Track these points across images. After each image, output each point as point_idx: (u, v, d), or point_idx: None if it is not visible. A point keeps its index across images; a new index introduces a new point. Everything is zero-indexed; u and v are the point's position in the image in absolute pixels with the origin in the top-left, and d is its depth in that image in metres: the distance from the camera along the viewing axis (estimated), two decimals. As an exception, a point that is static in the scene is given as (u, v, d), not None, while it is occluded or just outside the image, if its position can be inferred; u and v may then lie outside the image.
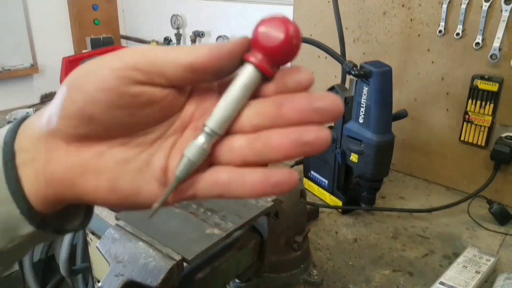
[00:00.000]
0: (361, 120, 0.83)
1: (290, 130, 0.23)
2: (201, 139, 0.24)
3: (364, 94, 0.81)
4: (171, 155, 0.26)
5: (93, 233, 1.09)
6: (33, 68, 1.94)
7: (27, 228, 0.26)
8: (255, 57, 0.24)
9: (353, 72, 0.81)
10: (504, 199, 0.95)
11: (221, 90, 0.26)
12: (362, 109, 0.82)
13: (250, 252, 0.56)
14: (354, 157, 0.85)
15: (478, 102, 0.94)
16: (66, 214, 0.29)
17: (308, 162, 1.01)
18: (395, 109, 0.86)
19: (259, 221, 0.56)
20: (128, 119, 0.24)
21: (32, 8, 1.90)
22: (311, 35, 1.20)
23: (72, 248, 1.32)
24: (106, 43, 2.00)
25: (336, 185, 0.93)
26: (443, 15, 0.95)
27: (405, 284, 0.71)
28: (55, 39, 2.01)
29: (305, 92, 0.24)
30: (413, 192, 1.04)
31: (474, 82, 0.94)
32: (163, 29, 1.90)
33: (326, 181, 0.96)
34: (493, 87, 0.91)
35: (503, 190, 0.95)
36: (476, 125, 0.96)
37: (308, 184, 1.02)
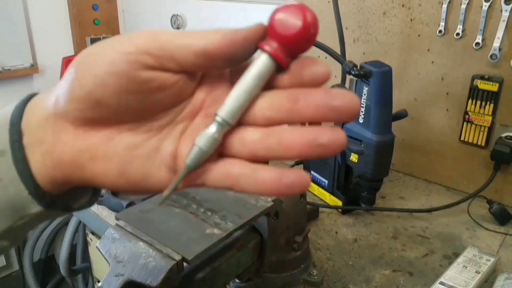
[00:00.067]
0: (361, 120, 0.83)
1: (305, 130, 0.23)
2: (213, 129, 0.24)
3: (364, 94, 0.81)
4: (180, 142, 0.26)
5: (93, 233, 1.09)
6: (33, 68, 1.94)
7: (35, 208, 0.26)
8: (270, 45, 0.23)
9: (353, 72, 0.81)
10: (504, 199, 0.95)
11: (232, 78, 0.25)
12: (362, 109, 0.82)
13: (250, 252, 0.56)
14: (354, 157, 0.85)
15: (478, 102, 0.94)
16: (74, 193, 0.29)
17: (308, 162, 1.01)
18: (395, 109, 0.86)
19: (259, 221, 0.56)
20: (137, 104, 0.24)
21: (32, 8, 1.90)
22: (311, 35, 1.20)
23: (72, 248, 1.32)
24: (106, 43, 2.00)
25: (336, 185, 0.93)
26: (443, 15, 0.95)
27: (405, 284, 0.71)
28: (55, 39, 2.01)
29: (323, 88, 0.23)
30: (413, 192, 1.04)
31: (474, 82, 0.94)
32: (163, 29, 1.90)
33: (326, 181, 0.96)
34: (493, 87, 0.91)
35: (503, 190, 0.95)
36: (476, 125, 0.96)
37: (308, 184, 1.02)
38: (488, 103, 0.92)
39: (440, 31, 0.97)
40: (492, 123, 0.93)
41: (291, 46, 0.23)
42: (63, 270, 1.34)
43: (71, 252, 1.32)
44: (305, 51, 0.23)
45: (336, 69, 1.13)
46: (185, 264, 0.46)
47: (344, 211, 0.92)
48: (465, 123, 0.98)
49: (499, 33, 0.88)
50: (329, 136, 0.22)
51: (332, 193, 0.95)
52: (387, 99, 0.82)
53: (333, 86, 0.91)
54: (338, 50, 0.91)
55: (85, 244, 1.32)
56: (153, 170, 0.25)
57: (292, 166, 1.07)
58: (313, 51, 1.03)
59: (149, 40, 0.23)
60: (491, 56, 0.90)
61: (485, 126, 0.94)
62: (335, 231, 0.86)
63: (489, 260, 0.72)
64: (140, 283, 0.42)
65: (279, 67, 0.23)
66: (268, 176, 0.23)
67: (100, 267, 1.14)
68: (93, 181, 0.26)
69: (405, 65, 1.05)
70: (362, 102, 0.82)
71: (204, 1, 1.74)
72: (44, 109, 0.26)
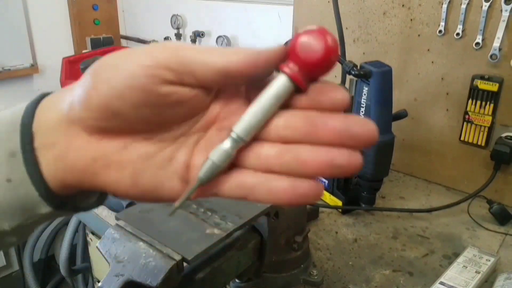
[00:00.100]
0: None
1: (323, 149, 0.23)
2: (227, 144, 0.24)
3: (364, 94, 0.81)
4: (194, 153, 0.26)
5: (93, 233, 1.09)
6: (33, 68, 1.94)
7: (45, 209, 0.26)
8: (290, 68, 0.23)
9: (353, 72, 0.81)
10: (504, 199, 0.95)
11: (248, 92, 0.26)
12: (362, 109, 0.82)
13: (250, 252, 0.56)
14: (354, 157, 0.85)
15: (478, 102, 0.94)
16: (82, 193, 0.29)
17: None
18: (395, 109, 0.86)
19: (259, 221, 0.56)
20: (154, 117, 0.24)
21: (32, 8, 1.90)
22: (311, 35, 1.20)
23: (72, 248, 1.32)
24: (106, 43, 2.00)
25: (336, 185, 0.93)
26: (443, 15, 0.95)
27: (405, 284, 0.71)
28: (55, 39, 2.01)
29: (341, 114, 0.23)
30: (413, 192, 1.04)
31: (474, 82, 0.94)
32: (163, 29, 1.90)
33: (326, 181, 0.96)
34: (493, 87, 0.91)
35: (503, 190, 0.95)
36: (476, 125, 0.96)
37: (308, 184, 1.02)
38: (488, 103, 0.92)
39: (440, 31, 0.97)
40: (492, 123, 0.93)
41: (311, 71, 0.23)
42: (63, 270, 1.34)
43: (71, 252, 1.32)
44: (324, 75, 0.24)
45: (336, 69, 1.13)
46: (185, 264, 0.46)
47: (344, 211, 0.92)
48: (465, 123, 0.98)
49: (499, 33, 0.88)
50: (347, 158, 0.22)
51: (332, 193, 0.95)
52: (387, 99, 0.82)
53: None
54: (338, 50, 0.91)
55: (85, 244, 1.32)
56: (166, 180, 0.25)
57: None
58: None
59: (169, 55, 0.23)
60: (491, 56, 0.90)
61: (485, 126, 0.94)
62: (335, 231, 0.86)
63: (489, 260, 0.72)
64: (140, 283, 0.42)
65: (298, 89, 0.24)
66: (281, 186, 0.23)
67: (100, 267, 1.14)
68: (105, 188, 0.26)
69: (405, 65, 1.05)
70: (362, 102, 0.82)
71: (204, 1, 1.74)
72: (57, 112, 0.26)
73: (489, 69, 0.92)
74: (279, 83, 0.24)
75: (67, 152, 0.25)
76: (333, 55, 0.23)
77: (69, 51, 2.01)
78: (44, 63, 1.98)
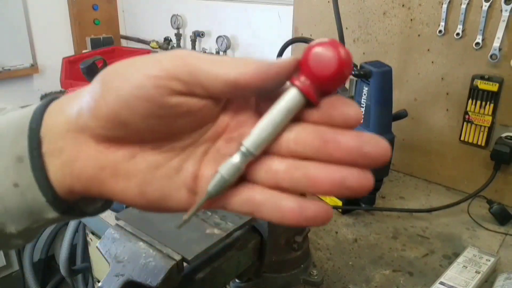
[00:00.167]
0: (360, 124, 0.83)
1: (334, 169, 0.22)
2: (236, 158, 0.24)
3: (364, 94, 0.81)
4: (202, 164, 0.25)
5: (93, 233, 1.09)
6: (33, 68, 1.94)
7: (52, 214, 0.26)
8: (302, 81, 0.23)
9: (353, 72, 0.81)
10: (504, 199, 0.95)
11: (258, 103, 0.25)
12: (362, 109, 0.82)
13: (250, 252, 0.56)
14: (354, 157, 0.85)
15: (478, 102, 0.94)
16: (89, 199, 0.29)
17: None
18: (395, 109, 0.86)
19: (259, 221, 0.56)
20: (163, 127, 0.24)
21: (32, 8, 1.90)
22: (311, 35, 1.20)
23: (72, 248, 1.32)
24: (106, 43, 2.00)
25: (336, 185, 0.93)
26: (443, 15, 0.95)
27: (405, 284, 0.71)
28: (55, 39, 2.01)
29: (354, 131, 0.22)
30: (413, 192, 1.04)
31: (474, 82, 0.94)
32: (163, 29, 1.90)
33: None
34: (493, 87, 0.91)
35: (503, 190, 0.95)
36: (476, 125, 0.96)
37: (308, 184, 1.02)
38: (488, 103, 0.92)
39: (440, 31, 0.97)
40: (492, 123, 0.93)
41: (323, 84, 0.22)
42: (63, 270, 1.34)
43: (71, 252, 1.32)
44: (336, 89, 0.23)
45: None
46: (185, 264, 0.46)
47: (344, 211, 0.92)
48: (465, 123, 0.98)
49: (499, 33, 0.88)
50: (358, 180, 0.22)
51: (332, 193, 0.95)
52: (387, 99, 0.82)
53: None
54: (338, 50, 0.91)
55: (85, 244, 1.32)
56: (173, 190, 0.25)
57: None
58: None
59: (178, 65, 0.23)
60: (491, 56, 0.90)
61: (485, 126, 0.94)
62: (335, 231, 0.86)
63: (489, 260, 0.72)
64: (140, 283, 0.42)
65: (309, 102, 0.23)
66: (290, 206, 0.23)
67: (100, 267, 1.14)
68: (112, 197, 0.26)
69: (405, 65, 1.05)
70: (362, 102, 0.82)
71: (204, 1, 1.74)
72: (65, 118, 0.25)
73: (489, 69, 0.92)
74: (290, 97, 0.23)
75: (75, 160, 0.25)
76: (346, 68, 0.22)
77: (69, 51, 2.01)
78: (44, 63, 1.98)
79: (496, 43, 0.89)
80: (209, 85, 0.23)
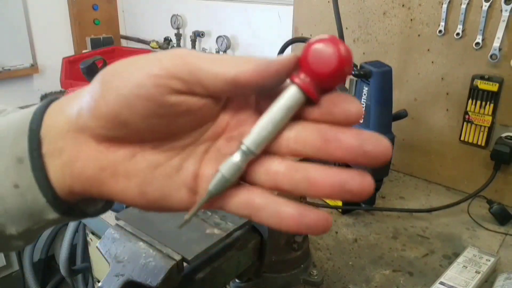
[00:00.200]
0: (361, 120, 0.83)
1: (334, 172, 0.22)
2: (237, 157, 0.24)
3: (364, 94, 0.81)
4: (202, 163, 0.25)
5: (93, 233, 1.09)
6: (33, 68, 1.94)
7: (52, 215, 0.26)
8: (302, 79, 0.22)
9: (353, 72, 0.81)
10: (504, 199, 0.95)
11: (258, 102, 0.25)
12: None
13: (250, 252, 0.56)
14: (354, 157, 0.85)
15: (478, 102, 0.94)
16: (90, 200, 0.29)
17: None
18: (395, 109, 0.86)
19: (259, 221, 0.56)
20: (163, 127, 0.24)
21: (32, 8, 1.90)
22: (311, 35, 1.20)
23: (72, 248, 1.32)
24: (106, 43, 2.00)
25: (336, 185, 0.93)
26: (443, 15, 0.95)
27: (405, 284, 0.71)
28: (55, 39, 2.01)
29: (354, 130, 0.22)
30: (413, 192, 1.04)
31: (474, 82, 0.94)
32: (163, 29, 1.90)
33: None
34: (493, 87, 0.91)
35: (503, 190, 0.95)
36: (476, 125, 0.96)
37: (308, 184, 1.02)
38: (488, 103, 0.92)
39: (440, 31, 0.97)
40: (492, 123, 0.93)
41: (323, 82, 0.22)
42: (63, 270, 1.34)
43: (71, 252, 1.32)
44: (337, 86, 0.23)
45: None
46: (185, 264, 0.46)
47: (344, 211, 0.92)
48: (465, 123, 0.98)
49: (499, 33, 0.88)
50: (358, 183, 0.22)
51: (332, 193, 0.95)
52: (387, 99, 0.82)
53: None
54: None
55: (85, 244, 1.32)
56: (174, 190, 0.25)
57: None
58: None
59: (178, 63, 0.23)
60: (491, 56, 0.90)
61: (485, 126, 0.94)
62: (335, 231, 0.86)
63: (489, 260, 0.72)
64: (140, 283, 0.42)
65: (309, 100, 0.23)
66: (290, 212, 0.23)
67: (100, 267, 1.13)
68: (113, 197, 0.26)
69: (405, 65, 1.05)
70: (362, 102, 0.82)
71: (204, 1, 1.74)
72: (65, 118, 0.25)
73: (489, 69, 0.92)
74: (290, 95, 0.23)
75: (75, 160, 0.25)
76: (347, 65, 0.22)
77: (69, 51, 2.01)
78: (44, 63, 1.98)
79: (496, 43, 0.89)
80: (209, 84, 0.23)
